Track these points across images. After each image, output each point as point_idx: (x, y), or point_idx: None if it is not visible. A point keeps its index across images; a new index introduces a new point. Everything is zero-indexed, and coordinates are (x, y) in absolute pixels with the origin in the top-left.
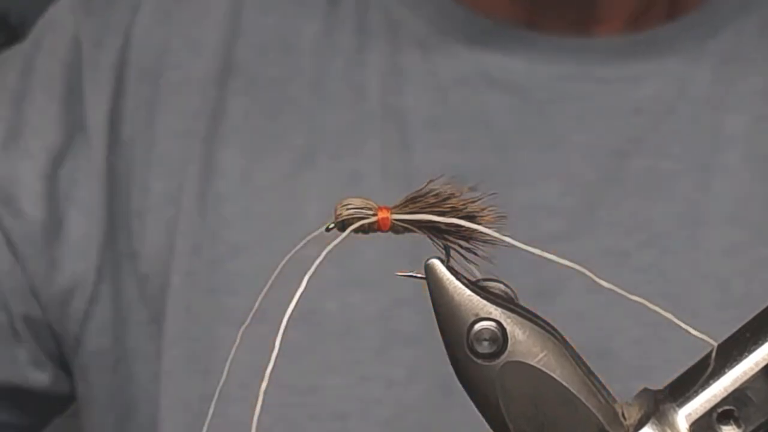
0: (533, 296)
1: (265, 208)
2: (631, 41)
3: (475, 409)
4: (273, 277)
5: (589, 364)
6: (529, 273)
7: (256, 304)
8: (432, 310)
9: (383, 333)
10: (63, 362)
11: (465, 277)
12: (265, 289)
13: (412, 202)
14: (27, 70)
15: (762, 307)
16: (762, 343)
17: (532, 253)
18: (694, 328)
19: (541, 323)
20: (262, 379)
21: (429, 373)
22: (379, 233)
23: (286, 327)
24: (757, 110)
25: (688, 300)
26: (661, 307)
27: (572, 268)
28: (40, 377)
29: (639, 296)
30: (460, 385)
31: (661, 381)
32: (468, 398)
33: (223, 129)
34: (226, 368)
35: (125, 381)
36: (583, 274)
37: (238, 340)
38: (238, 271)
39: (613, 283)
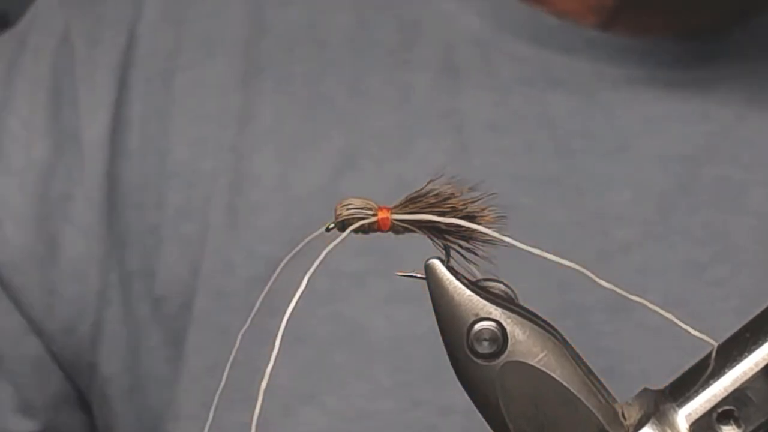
0: (607, 311)
1: (305, 217)
2: (699, 45)
3: None
4: (273, 279)
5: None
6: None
7: (257, 305)
8: None
9: (436, 353)
10: (81, 400)
11: (465, 277)
12: (265, 290)
13: (412, 202)
14: (10, 71)
15: None
16: (762, 343)
17: (533, 254)
18: (694, 328)
19: (542, 323)
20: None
21: None
22: (379, 233)
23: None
24: None
25: None
26: (661, 308)
27: (573, 268)
28: (24, 425)
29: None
30: None
31: None
32: None
33: (253, 133)
34: (223, 377)
35: (142, 407)
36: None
37: (237, 342)
38: (278, 288)
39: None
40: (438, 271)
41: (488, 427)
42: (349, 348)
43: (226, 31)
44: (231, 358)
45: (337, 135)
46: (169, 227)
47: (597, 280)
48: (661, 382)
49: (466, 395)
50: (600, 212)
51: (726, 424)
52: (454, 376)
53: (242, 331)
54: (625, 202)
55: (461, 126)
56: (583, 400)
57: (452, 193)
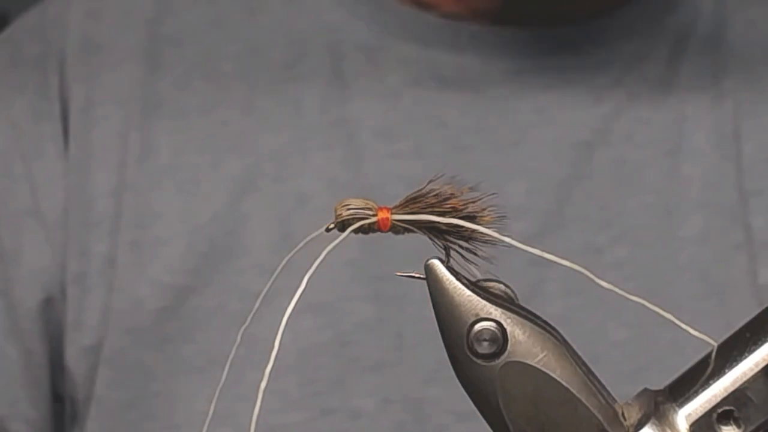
0: None
1: (208, 243)
2: (586, 28)
3: None
4: (273, 277)
5: None
6: (503, 278)
7: (257, 304)
8: (397, 334)
9: (342, 361)
10: None
11: (465, 277)
12: (267, 287)
13: (413, 203)
14: None
15: (736, 290)
16: (762, 343)
17: (533, 254)
18: (694, 328)
19: (541, 323)
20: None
21: (400, 402)
22: (379, 233)
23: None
24: (715, 89)
25: (667, 293)
26: (660, 308)
27: (572, 268)
28: None
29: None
30: (433, 411)
31: (649, 382)
32: (442, 422)
33: (150, 171)
34: (224, 374)
35: None
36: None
37: (238, 340)
38: (190, 315)
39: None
40: (438, 271)
41: (487, 428)
42: (261, 366)
43: (123, 79)
44: (231, 355)
45: (234, 159)
46: (94, 275)
47: (596, 280)
48: None
49: (374, 399)
50: (497, 207)
51: (726, 424)
52: (363, 382)
53: (242, 329)
54: (522, 195)
55: (352, 134)
56: (583, 400)
57: (452, 193)
